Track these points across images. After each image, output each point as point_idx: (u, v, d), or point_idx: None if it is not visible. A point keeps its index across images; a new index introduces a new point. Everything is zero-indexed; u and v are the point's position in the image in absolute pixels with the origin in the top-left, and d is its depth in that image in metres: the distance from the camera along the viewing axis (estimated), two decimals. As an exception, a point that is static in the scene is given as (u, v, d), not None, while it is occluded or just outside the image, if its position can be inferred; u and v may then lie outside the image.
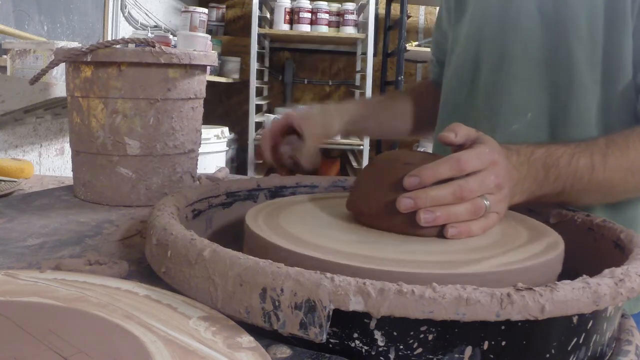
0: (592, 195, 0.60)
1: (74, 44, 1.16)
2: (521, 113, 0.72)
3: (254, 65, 3.20)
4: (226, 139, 2.82)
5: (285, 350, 0.35)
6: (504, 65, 0.73)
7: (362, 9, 3.38)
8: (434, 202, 0.47)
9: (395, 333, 0.35)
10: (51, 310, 0.36)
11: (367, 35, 3.19)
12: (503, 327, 0.34)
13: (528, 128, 0.71)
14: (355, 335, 0.35)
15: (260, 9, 3.24)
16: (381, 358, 0.35)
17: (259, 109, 3.51)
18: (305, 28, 3.19)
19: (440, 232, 0.48)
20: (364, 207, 0.51)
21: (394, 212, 0.48)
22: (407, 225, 0.48)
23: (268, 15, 3.55)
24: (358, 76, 3.76)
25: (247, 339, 0.34)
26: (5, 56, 1.23)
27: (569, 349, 0.37)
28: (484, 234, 0.49)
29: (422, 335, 0.34)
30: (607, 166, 0.57)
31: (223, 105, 3.94)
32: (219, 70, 3.29)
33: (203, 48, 2.32)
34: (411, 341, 0.34)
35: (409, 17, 3.42)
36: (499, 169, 0.51)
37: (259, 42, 3.33)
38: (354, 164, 3.44)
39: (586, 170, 0.57)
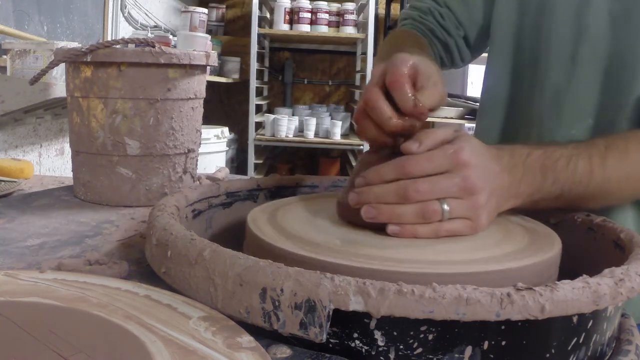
0: (590, 200, 0.57)
1: (74, 44, 1.16)
2: (583, 118, 0.69)
3: (254, 65, 3.20)
4: (226, 139, 2.82)
5: (285, 350, 0.35)
6: (571, 67, 0.70)
7: (362, 8, 3.38)
8: (378, 199, 0.47)
9: (395, 333, 0.35)
10: (51, 311, 0.36)
11: (367, 35, 3.19)
12: (503, 327, 0.34)
13: (587, 134, 0.68)
14: (355, 335, 0.35)
15: (260, 9, 3.24)
16: (381, 358, 0.35)
17: (259, 109, 3.51)
18: (305, 28, 3.19)
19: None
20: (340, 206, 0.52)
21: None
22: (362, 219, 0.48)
23: (268, 15, 3.55)
24: (358, 76, 3.76)
25: (247, 339, 0.34)
26: (5, 56, 1.23)
27: (569, 348, 0.37)
28: (483, 234, 0.49)
29: (422, 335, 0.34)
30: (606, 170, 0.55)
31: (223, 105, 3.94)
32: (219, 70, 3.29)
33: (203, 48, 2.32)
34: (411, 341, 0.34)
35: (409, 17, 3.42)
36: (470, 171, 0.47)
37: (259, 42, 3.33)
38: (354, 164, 3.44)
39: (585, 173, 0.54)
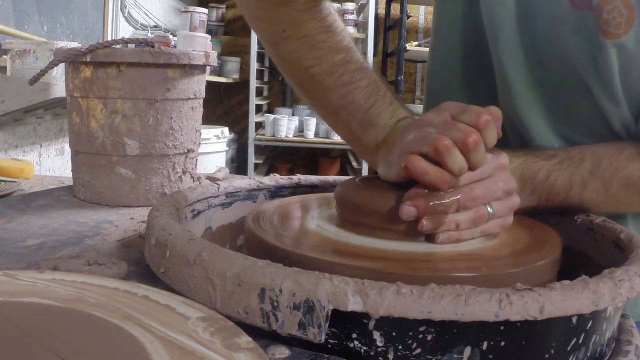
0: (568, 210, 0.57)
1: (74, 44, 1.16)
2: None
3: (254, 65, 3.20)
4: (226, 139, 2.82)
5: (283, 351, 0.35)
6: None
7: (362, 8, 3.39)
8: (435, 212, 0.46)
9: (394, 333, 0.34)
10: (50, 311, 0.36)
11: (367, 35, 3.19)
12: (502, 328, 0.34)
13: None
14: (354, 335, 0.35)
15: (260, 9, 3.23)
16: (380, 358, 0.35)
17: (259, 109, 3.51)
18: (305, 28, 3.18)
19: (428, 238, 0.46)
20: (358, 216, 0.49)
21: (388, 221, 0.47)
22: (399, 233, 0.47)
23: (268, 15, 3.54)
24: (358, 76, 3.76)
25: (245, 340, 0.34)
26: (5, 56, 1.24)
27: (568, 349, 0.37)
28: (484, 236, 0.48)
29: (421, 336, 0.34)
30: (584, 193, 0.55)
31: (223, 105, 3.94)
32: (218, 70, 3.30)
33: (203, 48, 2.32)
34: (410, 341, 0.34)
35: (409, 16, 3.43)
36: (508, 174, 0.48)
37: (259, 42, 3.33)
38: (354, 163, 3.44)
39: (563, 189, 0.55)
